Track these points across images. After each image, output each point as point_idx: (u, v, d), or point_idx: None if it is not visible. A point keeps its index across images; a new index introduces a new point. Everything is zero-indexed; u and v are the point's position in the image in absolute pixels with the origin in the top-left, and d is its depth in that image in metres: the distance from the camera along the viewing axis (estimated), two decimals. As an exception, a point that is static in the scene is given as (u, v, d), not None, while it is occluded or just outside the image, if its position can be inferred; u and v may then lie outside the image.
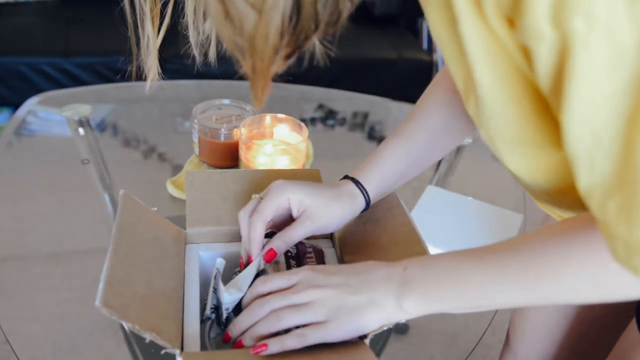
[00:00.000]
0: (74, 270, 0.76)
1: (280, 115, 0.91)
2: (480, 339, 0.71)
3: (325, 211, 0.61)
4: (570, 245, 0.42)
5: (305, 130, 0.88)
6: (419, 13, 2.62)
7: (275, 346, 0.49)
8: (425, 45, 2.64)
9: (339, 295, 0.49)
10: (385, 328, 0.49)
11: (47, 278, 0.74)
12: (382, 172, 0.65)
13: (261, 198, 0.62)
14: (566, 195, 0.51)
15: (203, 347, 0.55)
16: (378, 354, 0.68)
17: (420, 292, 0.48)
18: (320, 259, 0.64)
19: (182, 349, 0.52)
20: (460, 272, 0.47)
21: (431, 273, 0.49)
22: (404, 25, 2.61)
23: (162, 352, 0.50)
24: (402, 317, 0.49)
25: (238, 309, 0.56)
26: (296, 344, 0.49)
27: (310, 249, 0.65)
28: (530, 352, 0.79)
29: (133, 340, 0.65)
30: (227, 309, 0.57)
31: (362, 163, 0.66)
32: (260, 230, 0.60)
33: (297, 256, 0.64)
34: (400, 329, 0.72)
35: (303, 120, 0.97)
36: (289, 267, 0.62)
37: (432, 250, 0.81)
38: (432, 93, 0.70)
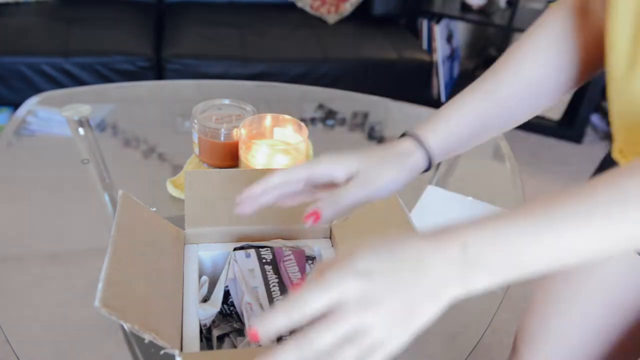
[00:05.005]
0: (74, 270, 0.76)
1: (280, 115, 0.91)
2: (480, 339, 0.71)
3: (378, 173, 0.53)
4: None
5: (305, 130, 0.88)
6: (419, 13, 2.62)
7: None
8: (425, 45, 2.64)
9: (396, 314, 0.40)
10: None
11: (47, 278, 0.74)
12: (448, 125, 0.57)
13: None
14: None
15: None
16: (378, 354, 0.68)
17: (493, 269, 0.40)
18: (301, 260, 0.64)
19: (181, 349, 0.52)
20: (534, 228, 0.39)
21: (501, 244, 0.40)
22: (404, 25, 2.61)
23: (162, 352, 0.50)
24: (466, 295, 0.42)
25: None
26: None
27: (289, 252, 0.64)
28: None
29: (133, 340, 0.65)
30: (204, 325, 0.58)
31: (429, 116, 0.59)
32: (275, 180, 0.54)
33: (273, 261, 0.64)
34: (400, 329, 0.72)
35: (303, 120, 0.97)
36: (263, 273, 0.62)
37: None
38: (526, 41, 0.60)
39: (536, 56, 0.59)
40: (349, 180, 0.54)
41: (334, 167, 0.54)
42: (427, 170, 0.57)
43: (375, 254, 0.40)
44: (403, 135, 0.57)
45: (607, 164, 0.62)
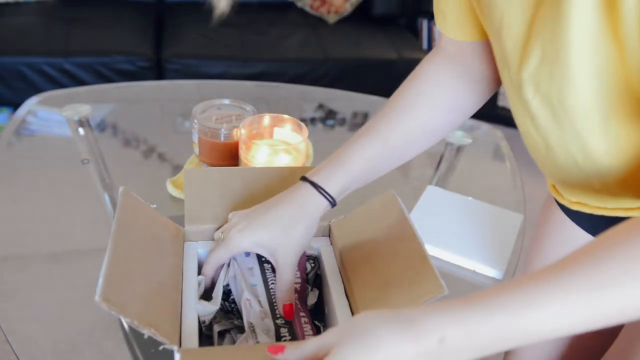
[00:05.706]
0: (74, 270, 0.76)
1: (280, 115, 0.91)
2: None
3: (294, 239, 0.60)
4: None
5: (305, 130, 0.88)
6: (419, 13, 2.62)
7: None
8: (425, 45, 2.64)
9: None
10: None
11: (47, 278, 0.74)
12: (346, 174, 0.63)
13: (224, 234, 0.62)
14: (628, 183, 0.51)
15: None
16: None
17: (468, 356, 0.41)
18: (301, 259, 0.64)
19: (180, 345, 0.52)
20: (511, 316, 0.40)
21: (478, 339, 0.40)
22: (404, 25, 2.61)
23: (160, 347, 0.50)
24: None
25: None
26: None
27: None
28: None
29: (133, 340, 0.65)
30: (203, 322, 0.58)
31: (326, 160, 0.64)
32: (210, 271, 0.61)
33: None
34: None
35: (303, 120, 0.97)
36: (262, 271, 0.62)
37: (431, 249, 0.81)
38: (411, 87, 0.67)
39: (424, 101, 0.65)
40: (271, 256, 0.60)
41: (255, 249, 0.60)
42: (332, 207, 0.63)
43: (354, 354, 0.41)
44: (305, 179, 0.62)
45: None
